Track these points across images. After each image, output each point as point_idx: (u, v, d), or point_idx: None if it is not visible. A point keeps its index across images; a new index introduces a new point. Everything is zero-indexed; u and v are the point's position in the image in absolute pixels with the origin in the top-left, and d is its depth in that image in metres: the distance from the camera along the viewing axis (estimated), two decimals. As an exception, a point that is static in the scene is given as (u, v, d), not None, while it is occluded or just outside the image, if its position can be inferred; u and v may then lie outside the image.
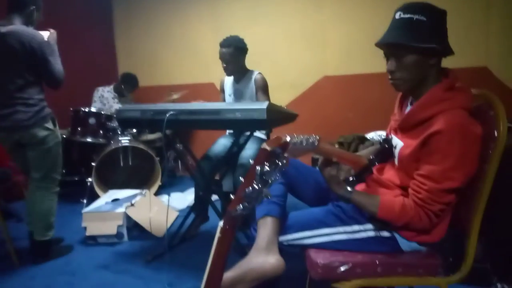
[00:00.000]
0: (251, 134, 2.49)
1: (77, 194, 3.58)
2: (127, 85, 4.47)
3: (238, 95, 3.00)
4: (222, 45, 2.87)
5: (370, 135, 3.35)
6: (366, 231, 1.43)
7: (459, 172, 1.24)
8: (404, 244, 1.40)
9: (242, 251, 2.16)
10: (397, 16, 1.32)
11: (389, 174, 1.47)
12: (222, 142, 2.95)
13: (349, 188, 1.39)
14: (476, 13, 3.68)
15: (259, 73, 2.98)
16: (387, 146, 1.50)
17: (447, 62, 1.38)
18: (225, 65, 2.89)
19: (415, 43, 1.27)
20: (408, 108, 1.44)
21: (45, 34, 2.47)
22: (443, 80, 1.34)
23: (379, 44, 1.36)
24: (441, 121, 1.24)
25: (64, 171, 3.81)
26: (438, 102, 1.29)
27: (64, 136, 3.79)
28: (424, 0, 1.31)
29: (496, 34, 3.65)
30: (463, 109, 1.27)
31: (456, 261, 1.41)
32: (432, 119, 1.28)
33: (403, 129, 1.42)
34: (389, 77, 1.38)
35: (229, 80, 3.08)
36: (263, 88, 2.93)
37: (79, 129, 3.76)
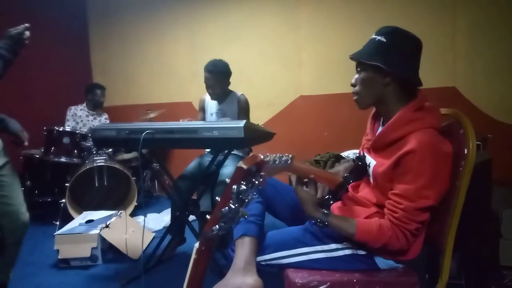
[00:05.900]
0: (229, 152, 2.48)
1: (50, 215, 3.47)
2: (94, 90, 4.37)
3: (221, 115, 3.00)
4: (208, 70, 2.84)
5: (345, 153, 3.40)
6: (343, 249, 1.43)
7: (433, 190, 1.27)
8: (381, 262, 1.41)
9: (220, 271, 2.13)
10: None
11: (365, 191, 1.49)
12: (200, 161, 2.93)
13: (325, 211, 1.38)
14: (443, 39, 3.86)
15: (242, 94, 2.99)
16: (360, 163, 1.52)
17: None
18: (210, 90, 2.88)
19: (366, 60, 1.35)
20: (380, 129, 1.47)
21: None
22: (412, 101, 1.38)
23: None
24: (412, 141, 1.27)
25: (36, 191, 3.74)
26: (408, 123, 1.33)
27: (37, 156, 3.71)
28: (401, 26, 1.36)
29: (462, 57, 3.83)
30: (433, 128, 1.31)
31: (432, 278, 1.42)
32: (403, 139, 1.31)
33: (376, 149, 1.44)
34: (352, 91, 1.44)
35: (211, 100, 3.08)
36: (245, 110, 2.96)
37: (52, 149, 3.67)
